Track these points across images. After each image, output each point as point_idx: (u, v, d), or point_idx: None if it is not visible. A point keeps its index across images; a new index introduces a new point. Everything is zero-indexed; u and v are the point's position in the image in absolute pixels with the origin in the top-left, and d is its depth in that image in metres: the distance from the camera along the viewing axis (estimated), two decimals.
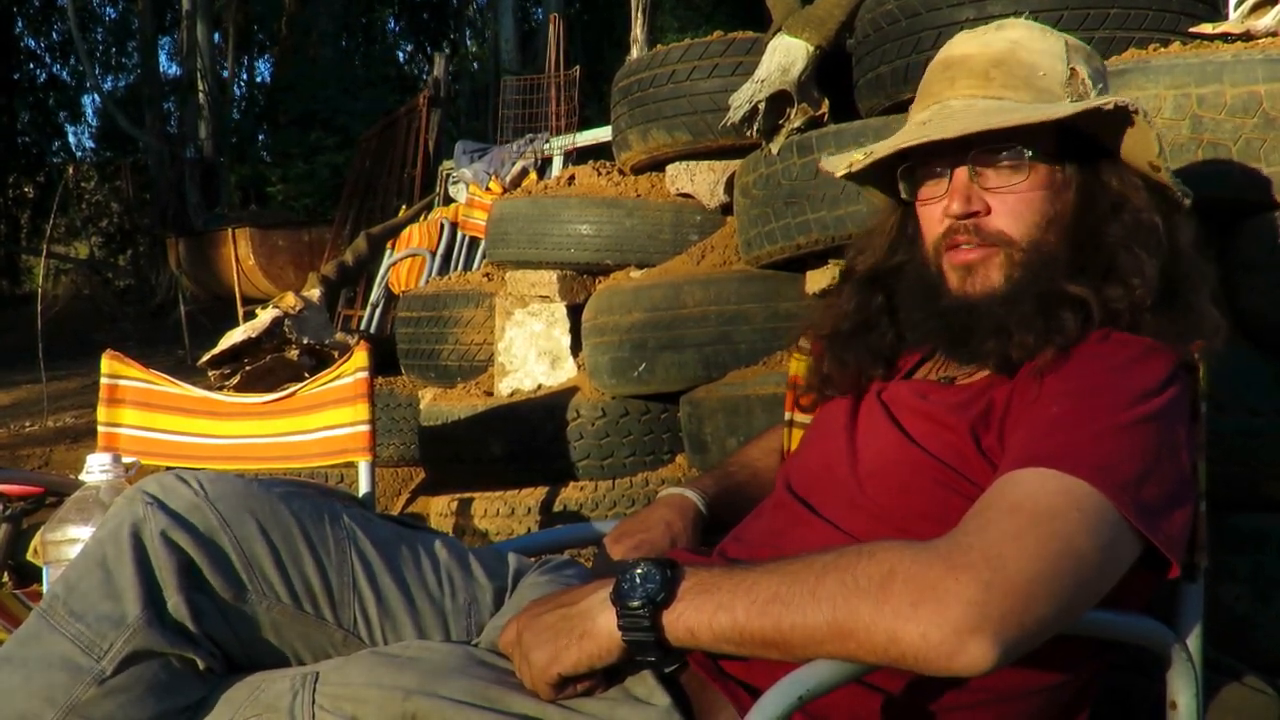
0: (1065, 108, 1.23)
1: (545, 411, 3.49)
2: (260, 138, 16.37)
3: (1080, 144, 1.28)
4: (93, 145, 20.28)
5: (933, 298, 1.32)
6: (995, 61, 1.29)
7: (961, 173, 1.28)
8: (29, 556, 2.35)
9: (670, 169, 3.76)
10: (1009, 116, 1.23)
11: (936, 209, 1.31)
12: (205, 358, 4.07)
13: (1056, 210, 1.27)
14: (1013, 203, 1.27)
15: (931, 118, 1.30)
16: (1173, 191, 1.29)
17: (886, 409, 1.32)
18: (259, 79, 19.24)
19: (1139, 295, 1.21)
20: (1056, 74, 1.29)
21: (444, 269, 6.50)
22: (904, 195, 1.37)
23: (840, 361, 1.42)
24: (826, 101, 2.97)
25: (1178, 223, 1.29)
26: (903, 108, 2.63)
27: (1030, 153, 1.25)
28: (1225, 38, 2.31)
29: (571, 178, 4.27)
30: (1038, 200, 1.27)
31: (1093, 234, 1.25)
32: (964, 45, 1.34)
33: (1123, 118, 1.22)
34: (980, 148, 1.26)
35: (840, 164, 1.40)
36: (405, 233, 7.16)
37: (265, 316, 4.09)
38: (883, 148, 1.33)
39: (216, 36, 16.13)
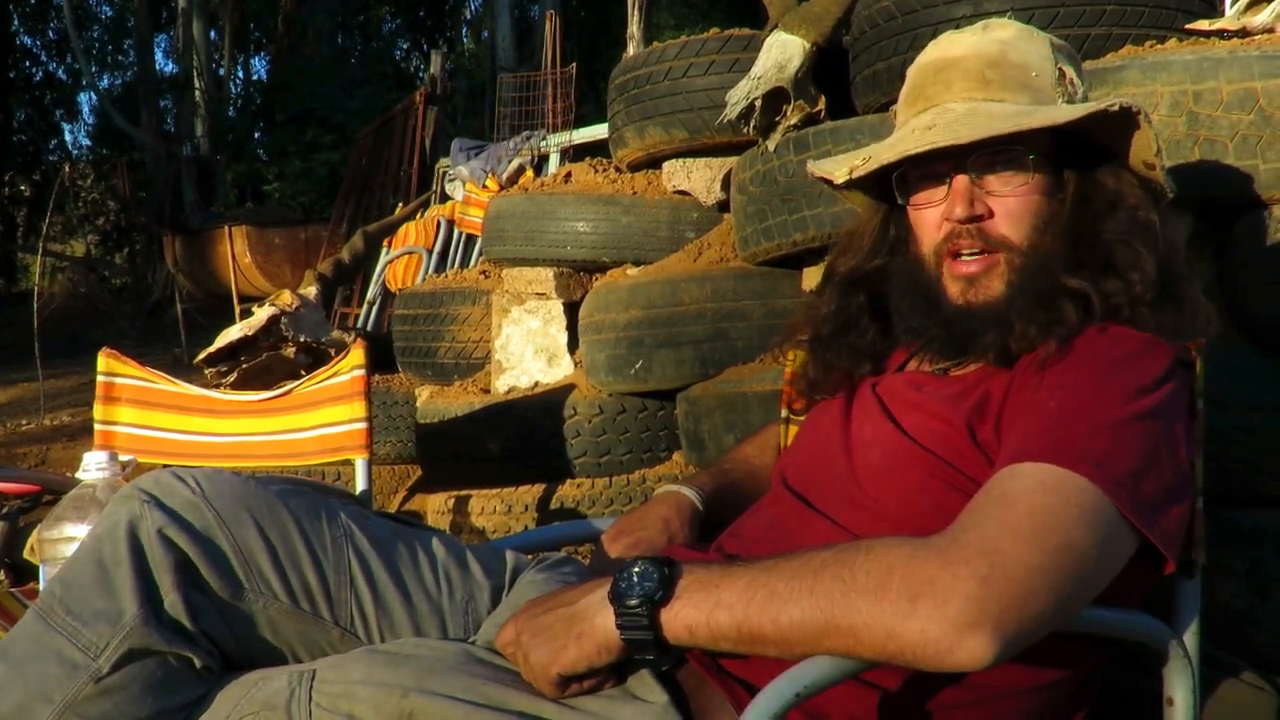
0: (1073, 110, 1.23)
1: (542, 409, 3.49)
2: (257, 135, 16.35)
3: (1075, 144, 1.28)
4: (89, 143, 20.32)
5: (934, 306, 1.31)
6: (990, 63, 1.29)
7: (962, 177, 1.27)
8: (25, 555, 2.35)
9: (667, 166, 3.76)
10: (1020, 121, 1.22)
11: (933, 214, 1.31)
12: (202, 356, 4.06)
13: (1053, 212, 1.28)
14: (1013, 206, 1.27)
15: (935, 121, 1.29)
16: (1163, 189, 1.29)
17: (881, 402, 1.33)
18: (255, 77, 19.25)
19: (1139, 290, 1.22)
20: (1048, 74, 1.29)
21: (441, 267, 6.49)
22: (899, 200, 1.36)
23: (824, 364, 1.43)
24: (823, 98, 2.97)
25: (1168, 219, 1.29)
26: None
27: (1032, 156, 1.26)
28: (1222, 34, 2.31)
29: (568, 175, 4.27)
30: (1036, 204, 1.27)
31: (1089, 231, 1.26)
32: (954, 47, 1.33)
33: (1125, 118, 1.22)
34: (981, 152, 1.25)
35: (836, 168, 1.38)
36: (402, 230, 7.16)
37: (262, 314, 4.08)
38: (886, 153, 1.32)
39: (213, 34, 16.12)
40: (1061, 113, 1.23)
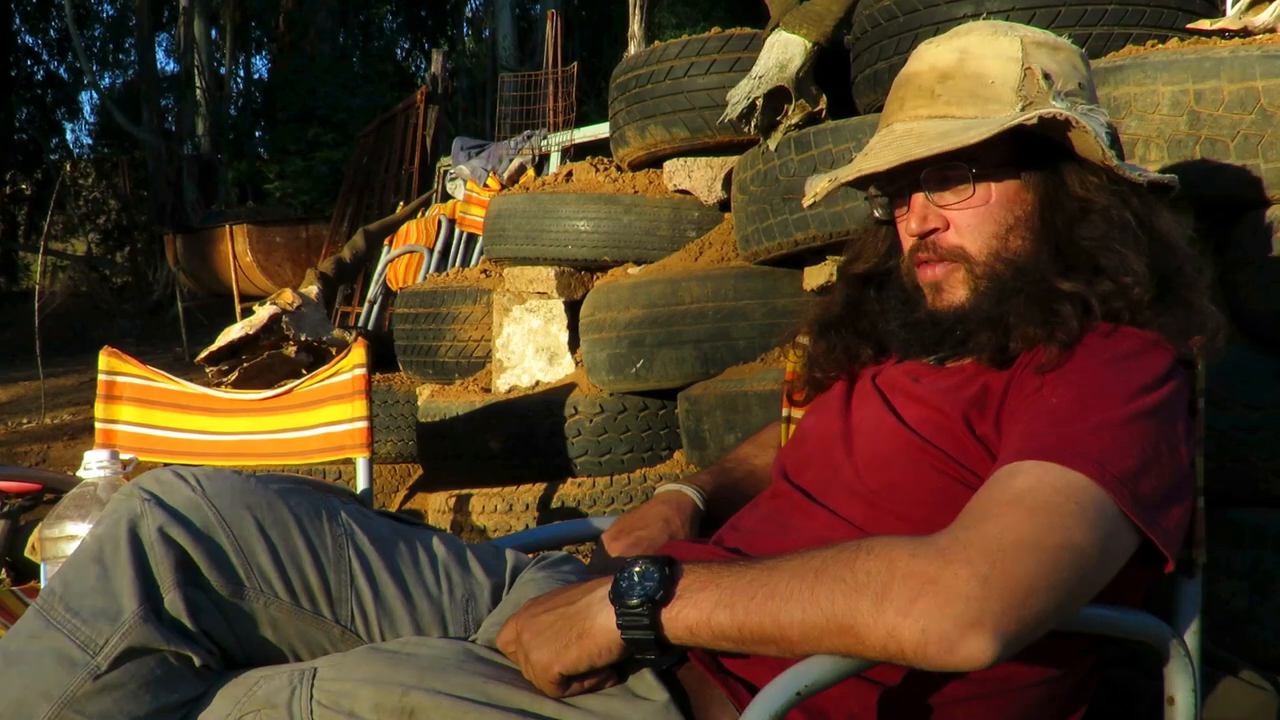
0: (986, 129, 1.23)
1: (543, 408, 3.49)
2: (258, 134, 16.36)
3: (1038, 145, 1.28)
4: (90, 142, 20.34)
5: (907, 311, 1.36)
6: (942, 76, 1.32)
7: (918, 195, 1.32)
8: (26, 553, 2.35)
9: (668, 165, 3.76)
10: (932, 145, 1.25)
11: (904, 226, 1.35)
12: (203, 354, 4.06)
13: (1018, 216, 1.29)
14: (967, 217, 1.30)
15: (874, 145, 1.34)
16: (1137, 181, 1.28)
17: (881, 393, 1.34)
18: (256, 75, 19.25)
19: (1135, 293, 1.21)
20: (1008, 78, 1.29)
21: (442, 265, 6.49)
22: (879, 215, 1.41)
23: (829, 345, 1.44)
24: (824, 98, 2.97)
25: (1157, 213, 1.29)
26: None
27: (975, 169, 1.28)
28: (1223, 34, 2.31)
29: (569, 174, 4.27)
30: (993, 211, 1.29)
31: (1068, 238, 1.26)
32: (918, 60, 1.36)
33: (1062, 123, 1.22)
34: (928, 170, 1.29)
35: (814, 186, 1.44)
36: (403, 229, 7.15)
37: (263, 313, 4.08)
38: (843, 174, 1.37)
39: (214, 33, 16.12)
40: (977, 131, 1.24)
